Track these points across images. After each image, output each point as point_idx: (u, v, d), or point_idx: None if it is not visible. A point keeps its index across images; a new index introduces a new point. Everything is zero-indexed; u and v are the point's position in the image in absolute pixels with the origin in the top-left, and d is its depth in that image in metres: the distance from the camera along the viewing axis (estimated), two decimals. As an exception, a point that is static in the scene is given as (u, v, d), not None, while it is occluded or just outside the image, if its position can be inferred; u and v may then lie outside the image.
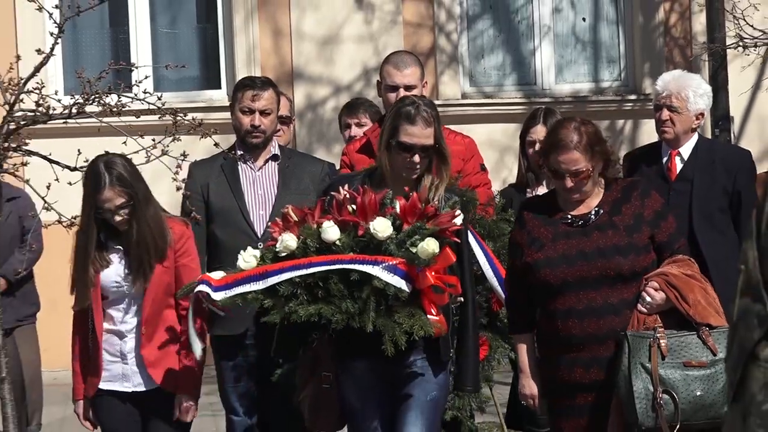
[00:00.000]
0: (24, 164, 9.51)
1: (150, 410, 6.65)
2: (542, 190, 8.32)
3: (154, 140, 8.56)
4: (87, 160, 8.60)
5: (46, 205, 8.73)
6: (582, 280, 5.87)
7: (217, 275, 5.63)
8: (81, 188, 8.73)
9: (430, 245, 5.28)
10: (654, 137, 8.81)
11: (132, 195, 6.76)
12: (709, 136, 11.43)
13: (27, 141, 9.00)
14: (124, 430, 6.65)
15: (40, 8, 8.54)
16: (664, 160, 8.02)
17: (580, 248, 5.92)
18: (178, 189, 8.13)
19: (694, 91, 8.10)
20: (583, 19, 13.77)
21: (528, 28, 13.62)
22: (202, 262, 7.97)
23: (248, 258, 5.46)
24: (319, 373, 5.94)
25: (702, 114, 8.31)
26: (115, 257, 6.83)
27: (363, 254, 5.45)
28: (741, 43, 12.22)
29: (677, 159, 7.98)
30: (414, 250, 5.27)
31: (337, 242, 5.34)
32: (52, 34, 8.58)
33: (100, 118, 8.88)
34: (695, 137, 8.01)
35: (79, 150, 8.63)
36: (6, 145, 8.56)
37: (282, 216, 5.61)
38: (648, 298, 5.78)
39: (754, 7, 12.58)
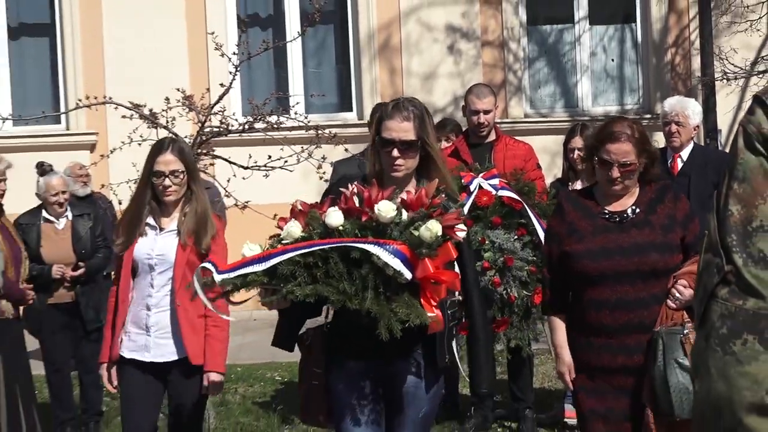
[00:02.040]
0: (212, 164, 9.62)
1: (170, 381, 5.57)
2: (579, 185, 7.84)
3: (303, 148, 8.63)
4: (256, 162, 8.67)
5: (226, 192, 8.84)
6: (618, 273, 4.90)
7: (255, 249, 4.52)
8: (251, 180, 8.80)
9: (433, 227, 4.20)
10: (662, 145, 8.73)
11: (188, 167, 5.64)
12: (702, 143, 11.30)
13: (214, 148, 9.10)
14: (142, 397, 5.53)
15: (222, 54, 8.57)
16: (668, 161, 7.95)
17: (619, 243, 4.95)
18: (320, 178, 8.37)
19: (692, 110, 8.06)
20: (612, 60, 13.63)
21: (572, 67, 13.47)
22: None
23: (253, 246, 4.49)
24: (311, 368, 4.87)
25: (697, 127, 8.30)
26: (151, 232, 5.62)
27: (366, 237, 4.35)
28: (725, 77, 12.15)
29: (678, 160, 7.92)
30: (416, 233, 4.22)
31: (341, 227, 4.31)
32: (231, 72, 8.63)
33: (265, 132, 8.94)
34: (692, 144, 7.99)
35: (249, 155, 8.70)
36: (199, 151, 8.62)
37: (290, 209, 4.57)
38: (678, 294, 4.78)
39: (734, 51, 12.51)
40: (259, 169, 8.64)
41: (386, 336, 4.16)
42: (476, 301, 4.92)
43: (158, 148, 5.64)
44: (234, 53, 8.87)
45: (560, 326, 5.19)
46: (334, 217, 4.31)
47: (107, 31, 12.79)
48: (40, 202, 8.68)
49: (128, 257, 5.59)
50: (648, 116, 12.81)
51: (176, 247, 5.58)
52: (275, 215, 7.32)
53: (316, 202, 4.70)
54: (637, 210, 5.01)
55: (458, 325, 4.92)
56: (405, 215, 4.33)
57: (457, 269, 4.73)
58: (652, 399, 4.81)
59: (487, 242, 6.94)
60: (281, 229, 4.54)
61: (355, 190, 4.44)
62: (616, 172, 4.91)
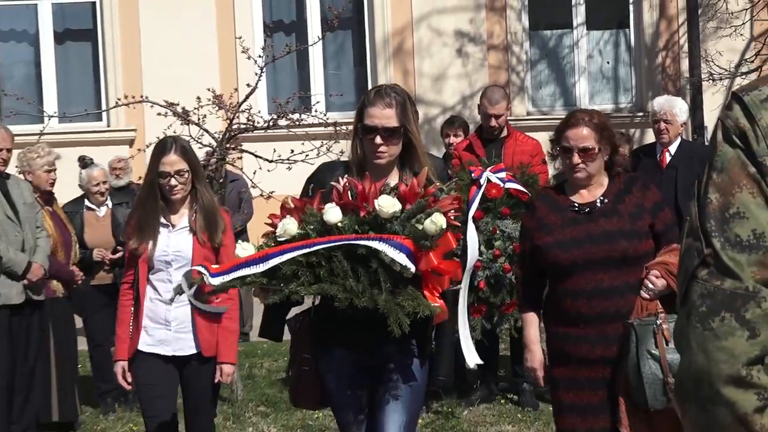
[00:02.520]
0: (239, 158, 9.65)
1: (185, 372, 5.38)
2: None
3: (322, 143, 8.64)
4: (280, 156, 8.69)
5: (253, 183, 8.85)
6: (589, 261, 4.55)
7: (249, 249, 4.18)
8: (275, 172, 8.81)
9: (438, 220, 3.89)
10: (652, 139, 8.74)
11: (192, 166, 5.40)
12: (690, 139, 11.32)
13: (241, 143, 9.12)
14: (162, 386, 5.35)
15: (249, 57, 8.59)
16: (658, 155, 8.03)
17: (588, 232, 4.59)
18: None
19: (679, 109, 8.17)
20: (607, 62, 13.63)
21: (571, 69, 13.47)
22: None
23: (246, 247, 4.15)
24: (300, 355, 4.55)
25: (684, 123, 8.40)
26: (164, 230, 5.41)
27: (366, 233, 4.00)
28: (711, 78, 12.20)
29: (667, 154, 8.01)
30: (420, 227, 3.91)
31: (339, 224, 3.98)
32: (257, 73, 8.65)
33: (288, 129, 8.96)
34: (679, 140, 8.05)
35: (274, 149, 8.72)
36: (227, 146, 8.65)
37: (281, 206, 4.26)
38: (650, 285, 4.43)
39: (719, 54, 12.52)
40: (282, 163, 8.66)
41: (398, 332, 3.93)
42: (448, 293, 4.45)
43: (161, 149, 5.41)
44: (260, 56, 8.90)
45: (533, 323, 4.86)
46: (333, 213, 4.00)
47: (144, 36, 12.84)
48: (83, 192, 8.74)
49: (144, 255, 5.37)
50: (640, 114, 12.83)
51: (192, 243, 5.40)
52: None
53: (307, 197, 4.35)
54: (606, 200, 4.67)
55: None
56: (398, 207, 4.03)
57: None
58: (626, 391, 4.47)
59: (497, 231, 6.99)
60: (273, 226, 4.23)
61: (347, 184, 4.13)
62: (576, 158, 4.57)
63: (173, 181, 5.30)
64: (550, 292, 4.77)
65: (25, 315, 7.44)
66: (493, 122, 8.04)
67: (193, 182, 5.41)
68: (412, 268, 3.93)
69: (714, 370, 1.93)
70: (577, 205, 4.68)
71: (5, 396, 7.38)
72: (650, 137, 11.62)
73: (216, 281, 4.10)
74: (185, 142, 5.55)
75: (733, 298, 1.92)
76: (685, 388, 2.00)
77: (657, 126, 8.10)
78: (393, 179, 4.38)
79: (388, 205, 3.95)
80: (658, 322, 4.40)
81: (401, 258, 3.89)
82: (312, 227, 4.07)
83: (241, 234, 9.97)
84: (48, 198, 8.08)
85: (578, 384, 4.59)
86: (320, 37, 11.81)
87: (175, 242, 5.38)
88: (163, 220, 5.40)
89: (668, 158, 8.03)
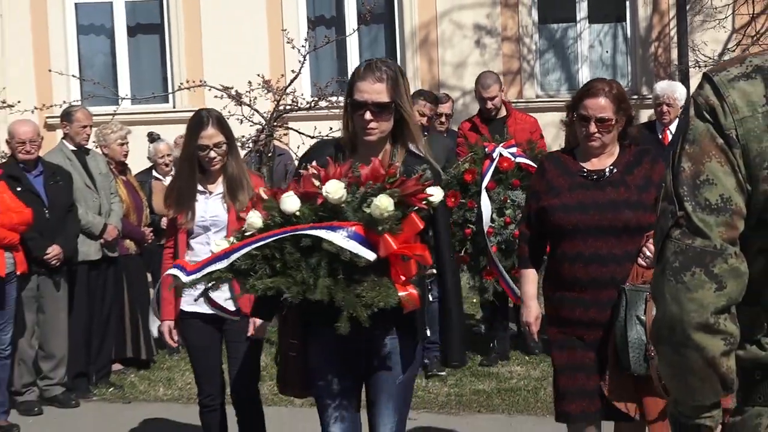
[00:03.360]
0: (285, 134, 9.64)
1: (225, 330, 5.09)
2: None
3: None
4: (320, 133, 8.68)
5: (297, 157, 8.86)
6: (591, 228, 4.15)
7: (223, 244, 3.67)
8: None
9: (382, 202, 3.24)
10: (645, 119, 8.72)
11: (227, 137, 5.08)
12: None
13: (287, 122, 9.12)
14: (206, 343, 5.08)
15: (293, 47, 8.57)
16: (659, 133, 8.09)
17: (595, 199, 4.18)
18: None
19: (679, 93, 8.19)
20: (606, 52, 13.54)
21: (574, 58, 13.37)
22: None
23: (220, 242, 3.68)
24: (287, 339, 4.01)
25: (682, 106, 8.26)
26: (201, 197, 5.10)
27: (327, 222, 3.37)
28: (697, 65, 12.16)
29: (668, 132, 8.08)
30: (368, 210, 3.29)
31: (297, 213, 3.39)
32: (300, 61, 8.63)
33: (327, 109, 8.96)
34: (677, 120, 8.06)
35: (315, 127, 8.73)
36: (275, 124, 8.65)
37: (254, 196, 3.80)
38: (648, 253, 4.03)
39: (705, 44, 12.47)
40: (322, 137, 8.65)
41: (345, 329, 3.33)
42: (449, 273, 3.94)
43: (199, 123, 5.05)
44: (303, 46, 8.90)
45: (531, 279, 4.46)
46: (289, 202, 3.41)
47: (204, 29, 12.85)
48: (151, 163, 8.79)
49: (182, 222, 5.06)
50: (635, 96, 12.71)
51: (227, 209, 5.06)
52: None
53: (280, 188, 3.76)
54: (615, 170, 4.25)
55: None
56: (343, 193, 3.39)
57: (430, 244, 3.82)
58: (614, 353, 4.10)
59: (508, 201, 6.90)
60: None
61: (312, 170, 3.49)
62: (593, 127, 4.16)
63: (212, 153, 5.02)
64: (551, 254, 4.40)
65: (102, 269, 7.53)
66: (489, 104, 7.95)
67: (227, 153, 5.13)
68: (367, 256, 3.30)
69: (686, 318, 1.92)
70: (586, 171, 4.29)
71: (84, 339, 7.46)
72: (643, 117, 11.65)
73: (188, 278, 3.63)
74: (219, 114, 5.22)
75: (703, 254, 1.91)
76: (661, 334, 1.99)
77: (660, 108, 8.17)
78: (385, 156, 3.79)
79: (333, 189, 3.33)
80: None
81: (351, 245, 3.27)
82: (273, 219, 3.52)
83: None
84: (122, 168, 8.14)
85: (572, 345, 4.23)
86: (355, 29, 11.82)
87: (212, 208, 5.09)
88: (200, 188, 5.11)
89: (670, 136, 8.05)
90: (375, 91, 3.63)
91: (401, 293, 3.37)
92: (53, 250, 6.97)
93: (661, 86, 8.40)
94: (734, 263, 1.90)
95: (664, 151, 7.81)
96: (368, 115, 3.63)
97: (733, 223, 1.91)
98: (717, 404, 2.00)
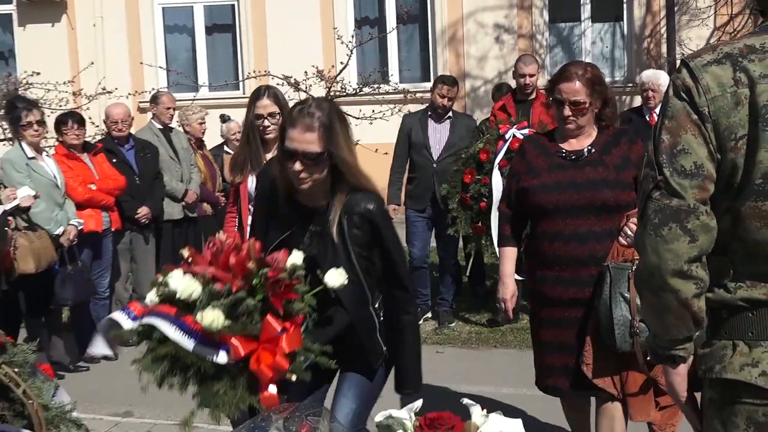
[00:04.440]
0: (335, 116, 9.64)
1: None
2: None
3: (395, 105, 8.60)
4: (365, 114, 8.67)
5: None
6: (571, 207, 3.62)
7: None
8: (361, 127, 8.79)
9: (206, 318, 2.38)
10: (637, 104, 8.58)
11: (282, 108, 4.61)
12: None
13: (339, 105, 9.10)
14: None
15: (342, 42, 8.54)
16: (647, 116, 7.72)
17: (573, 179, 3.65)
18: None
19: (663, 80, 7.71)
20: (606, 47, 13.38)
21: (579, 51, 13.23)
22: None
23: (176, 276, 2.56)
24: None
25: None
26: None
27: (186, 312, 2.47)
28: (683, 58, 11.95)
29: (655, 115, 7.65)
30: (198, 315, 2.42)
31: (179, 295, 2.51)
32: (348, 54, 8.60)
33: (371, 95, 8.94)
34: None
35: (360, 109, 8.72)
36: (326, 107, 8.64)
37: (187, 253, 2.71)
38: (629, 232, 3.49)
39: (690, 39, 12.32)
40: (366, 119, 8.66)
41: (218, 420, 2.51)
42: (405, 301, 3.17)
43: (256, 95, 4.73)
44: (350, 42, 8.85)
45: (510, 257, 3.89)
46: (173, 282, 2.51)
47: (269, 28, 12.87)
48: (223, 140, 8.82)
49: (244, 188, 4.68)
50: (630, 85, 12.60)
51: None
52: (376, 149, 7.32)
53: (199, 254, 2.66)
54: (593, 150, 3.71)
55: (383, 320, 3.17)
56: (192, 291, 2.49)
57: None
58: (595, 331, 3.57)
59: None
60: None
61: (215, 245, 2.62)
62: (567, 110, 3.65)
63: (266, 122, 4.63)
64: (531, 233, 3.85)
65: (183, 227, 7.58)
66: (527, 80, 7.27)
67: None
68: (214, 358, 2.43)
69: (663, 266, 1.91)
70: (564, 151, 3.75)
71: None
72: (638, 102, 11.55)
73: (129, 327, 2.60)
74: (277, 89, 4.87)
75: (679, 212, 1.90)
76: (643, 279, 1.99)
77: (645, 94, 7.78)
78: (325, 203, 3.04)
79: (182, 288, 2.49)
80: (634, 267, 3.38)
81: (197, 349, 2.42)
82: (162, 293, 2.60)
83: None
84: (199, 144, 8.16)
85: (554, 323, 3.72)
86: (394, 27, 11.78)
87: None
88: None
89: (656, 118, 7.80)
90: (306, 140, 2.89)
91: (260, 395, 2.48)
92: (143, 211, 7.03)
93: (647, 74, 8.11)
94: (705, 220, 1.89)
95: (651, 131, 7.65)
96: (298, 166, 2.90)
97: (704, 186, 1.90)
98: (689, 338, 1.99)
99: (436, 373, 6.23)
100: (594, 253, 3.59)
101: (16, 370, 2.39)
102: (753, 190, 1.87)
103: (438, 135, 7.06)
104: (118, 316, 2.62)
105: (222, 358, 2.44)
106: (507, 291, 3.88)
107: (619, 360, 3.55)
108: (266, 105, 4.62)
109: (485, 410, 2.33)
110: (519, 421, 2.27)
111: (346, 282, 2.76)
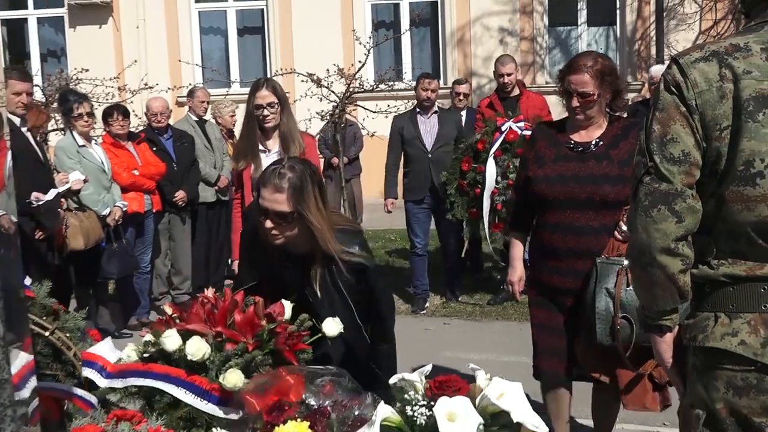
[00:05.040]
0: (354, 110, 9.60)
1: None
2: None
3: (408, 100, 8.55)
4: (381, 109, 8.63)
5: (362, 126, 8.85)
6: (570, 199, 3.34)
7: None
8: (377, 120, 8.76)
9: (229, 380, 2.17)
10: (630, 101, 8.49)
11: (280, 99, 4.50)
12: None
13: (355, 100, 9.06)
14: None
15: (360, 43, 8.50)
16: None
17: (576, 172, 3.36)
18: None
19: None
20: (601, 49, 13.26)
21: (575, 53, 12.74)
22: None
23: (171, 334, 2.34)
24: None
25: None
26: (262, 154, 4.53)
27: (194, 373, 2.23)
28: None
29: None
30: (221, 378, 2.18)
31: (175, 354, 2.28)
32: (365, 54, 8.56)
33: (386, 91, 8.90)
34: None
35: (376, 104, 8.68)
36: (346, 101, 8.61)
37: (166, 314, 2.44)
38: (624, 227, 3.21)
39: (677, 42, 12.22)
40: (381, 113, 8.62)
41: None
42: (383, 331, 2.99)
43: (255, 86, 4.54)
44: (368, 42, 8.81)
45: (518, 243, 3.69)
46: (169, 342, 2.29)
47: (294, 31, 12.85)
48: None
49: (247, 174, 4.54)
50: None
51: None
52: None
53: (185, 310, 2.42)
54: (600, 143, 3.41)
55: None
56: (203, 354, 2.26)
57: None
58: (587, 322, 3.30)
59: (511, 167, 6.47)
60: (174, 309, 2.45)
61: (205, 298, 2.42)
62: (575, 102, 3.34)
63: (266, 111, 4.49)
64: (536, 222, 3.60)
65: (216, 209, 7.58)
66: (505, 79, 7.12)
67: (280, 113, 4.55)
68: (227, 416, 2.20)
69: (652, 244, 1.91)
70: (573, 142, 3.45)
71: (204, 260, 7.55)
72: (629, 97, 11.50)
73: (104, 385, 2.29)
74: (275, 81, 4.66)
75: (667, 195, 1.89)
76: (633, 256, 1.98)
77: (654, 87, 7.63)
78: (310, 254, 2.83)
79: (194, 351, 2.26)
80: (625, 263, 3.12)
81: (209, 408, 2.20)
82: (154, 351, 2.37)
83: (354, 161, 9.97)
84: (230, 134, 8.14)
85: (549, 307, 3.50)
86: (407, 30, 11.71)
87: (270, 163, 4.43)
88: (260, 146, 4.57)
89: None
90: (275, 200, 2.71)
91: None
92: (180, 195, 7.04)
93: (655, 69, 7.86)
94: (691, 203, 1.89)
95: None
96: (269, 223, 2.74)
97: (691, 172, 1.89)
98: (675, 310, 1.98)
99: (444, 342, 6.30)
100: (591, 247, 3.31)
101: (67, 335, 2.41)
102: (735, 176, 1.86)
103: (428, 128, 6.94)
104: (90, 374, 2.31)
105: (232, 416, 2.21)
106: (515, 274, 3.70)
107: (609, 354, 3.28)
108: (265, 95, 4.48)
109: (488, 375, 2.32)
110: (519, 384, 2.27)
111: (342, 330, 2.59)
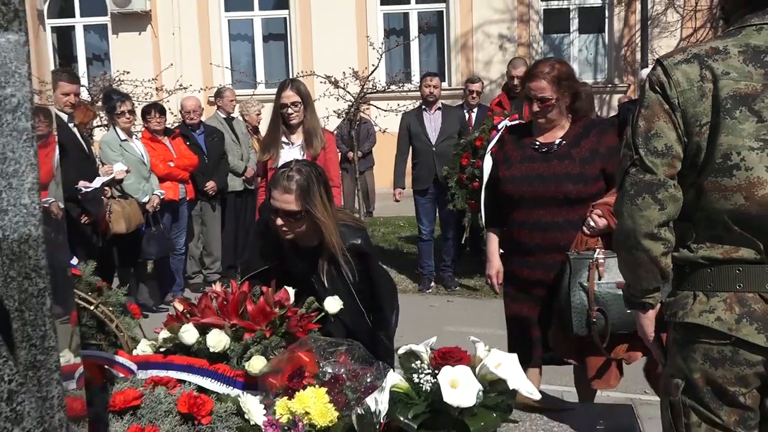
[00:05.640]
0: (368, 109, 9.56)
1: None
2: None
3: (415, 101, 8.50)
4: (391, 107, 8.58)
5: (375, 123, 8.80)
6: (536, 198, 3.18)
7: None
8: (388, 117, 8.72)
9: (254, 365, 2.14)
10: (615, 101, 8.43)
11: (303, 98, 4.51)
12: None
13: (369, 100, 9.00)
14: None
15: (374, 48, 8.45)
16: None
17: (540, 172, 3.20)
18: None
19: None
20: (591, 54, 13.22)
21: (568, 58, 12.98)
22: None
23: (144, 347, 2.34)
24: None
25: None
26: (286, 147, 4.57)
27: (213, 361, 2.18)
28: (655, 63, 11.78)
29: None
30: (247, 365, 2.16)
31: (194, 347, 2.23)
32: (378, 58, 8.52)
33: (397, 91, 8.85)
34: None
35: (387, 103, 8.64)
36: (360, 101, 8.56)
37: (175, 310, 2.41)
38: (592, 223, 3.05)
39: (660, 47, 12.00)
40: (392, 111, 8.58)
41: None
42: (381, 321, 2.96)
43: (282, 87, 4.55)
44: (380, 47, 8.76)
45: (494, 238, 3.46)
46: (187, 336, 2.25)
47: (314, 37, 12.82)
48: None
49: (270, 165, 4.54)
50: (610, 85, 12.46)
51: (304, 155, 4.50)
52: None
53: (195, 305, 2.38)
54: (563, 142, 3.23)
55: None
56: (224, 345, 2.23)
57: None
58: (558, 313, 3.12)
59: None
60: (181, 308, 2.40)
61: (214, 293, 2.40)
62: (536, 106, 3.20)
63: (290, 110, 4.53)
64: (507, 220, 3.39)
65: (244, 197, 7.56)
66: (516, 81, 6.92)
67: (304, 112, 4.57)
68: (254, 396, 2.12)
69: (637, 229, 1.89)
70: (537, 144, 3.28)
71: (232, 243, 7.56)
72: (614, 101, 11.41)
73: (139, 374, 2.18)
74: (300, 82, 4.67)
75: (651, 185, 1.87)
76: (619, 240, 1.96)
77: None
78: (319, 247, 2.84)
79: (215, 343, 2.22)
80: (595, 256, 2.99)
81: (233, 393, 2.14)
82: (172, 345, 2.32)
83: (368, 154, 9.95)
84: (256, 130, 8.12)
85: (521, 299, 3.32)
86: (416, 36, 11.63)
87: (293, 155, 4.50)
88: (284, 139, 4.60)
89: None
90: (284, 200, 2.74)
91: None
92: (210, 184, 7.04)
93: (645, 71, 7.77)
94: (673, 192, 1.86)
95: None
96: (280, 221, 2.76)
97: (673, 164, 1.86)
98: (657, 289, 1.96)
99: (447, 318, 6.31)
100: (557, 242, 3.14)
101: (110, 309, 2.42)
102: (713, 168, 1.84)
103: (432, 124, 6.92)
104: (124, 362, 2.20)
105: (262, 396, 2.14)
106: (492, 268, 3.46)
107: (580, 343, 3.13)
108: (290, 95, 4.54)
109: (487, 347, 2.32)
110: (515, 355, 2.26)
111: (341, 307, 2.63)
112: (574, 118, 3.29)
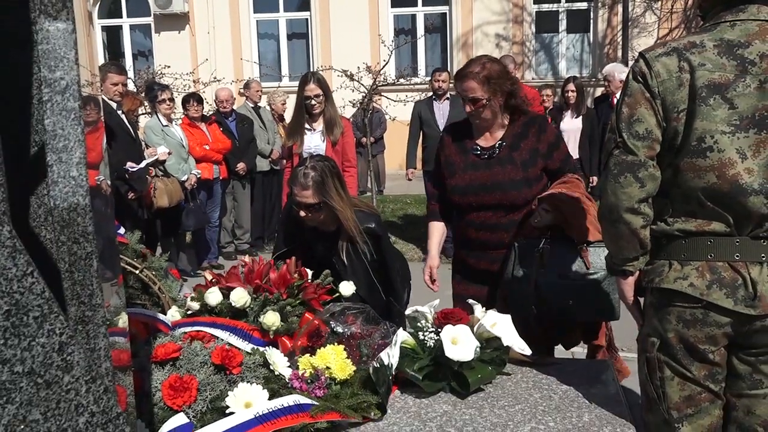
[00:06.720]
0: (379, 100, 9.48)
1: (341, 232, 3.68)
2: (568, 115, 7.08)
3: (422, 93, 8.43)
4: (400, 98, 8.52)
5: (386, 113, 8.73)
6: (481, 205, 2.80)
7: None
8: (398, 107, 8.65)
9: (267, 319, 2.09)
10: (598, 92, 8.32)
11: (324, 91, 4.45)
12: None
13: (381, 92, 8.93)
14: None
15: (385, 45, 8.36)
16: (610, 99, 7.26)
17: (482, 181, 2.78)
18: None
19: (617, 71, 7.18)
20: (577, 52, 13.00)
21: (557, 55, 12.93)
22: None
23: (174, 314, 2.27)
24: None
25: (622, 80, 7.06)
26: (308, 133, 4.55)
27: (235, 319, 2.15)
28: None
29: (616, 98, 7.28)
30: (261, 318, 2.11)
31: (217, 307, 2.20)
32: (389, 54, 8.43)
33: (405, 84, 8.77)
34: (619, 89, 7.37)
35: (397, 95, 8.56)
36: (373, 92, 8.49)
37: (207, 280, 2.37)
38: (539, 218, 2.64)
39: (639, 46, 11.84)
40: (401, 102, 8.52)
41: None
42: (394, 298, 2.91)
43: (305, 80, 4.50)
44: (391, 45, 8.67)
45: (435, 233, 3.04)
46: (212, 297, 2.22)
47: (333, 35, 12.70)
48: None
49: (295, 149, 4.60)
50: (594, 79, 12.28)
51: (324, 140, 4.55)
52: (408, 124, 7.19)
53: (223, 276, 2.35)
54: (504, 144, 2.81)
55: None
56: (245, 301, 2.20)
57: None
58: (503, 298, 2.71)
59: None
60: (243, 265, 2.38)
61: (243, 262, 2.40)
62: (468, 107, 2.78)
63: (312, 102, 4.50)
64: (455, 214, 3.00)
65: (270, 176, 7.56)
66: None
67: (325, 102, 4.55)
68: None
69: (619, 204, 1.85)
70: (479, 149, 2.85)
71: (260, 217, 7.56)
72: (598, 92, 11.25)
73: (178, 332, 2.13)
74: (320, 75, 4.60)
75: (632, 165, 1.83)
76: (603, 214, 1.93)
77: (605, 82, 7.37)
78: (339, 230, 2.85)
79: (237, 298, 2.19)
80: (542, 245, 2.61)
81: (249, 348, 2.05)
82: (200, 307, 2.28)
83: (379, 140, 9.88)
84: (281, 118, 8.09)
85: (468, 282, 2.92)
86: (422, 35, 11.50)
87: (314, 140, 4.59)
88: (307, 126, 4.60)
89: (616, 101, 7.40)
90: (303, 196, 2.76)
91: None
92: (241, 165, 7.02)
93: (606, 68, 7.63)
94: (652, 171, 1.83)
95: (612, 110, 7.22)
96: (302, 213, 2.78)
97: (653, 146, 1.83)
98: (636, 258, 1.93)
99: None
100: (502, 239, 2.80)
101: (153, 273, 2.41)
102: (689, 150, 1.80)
103: (441, 112, 6.90)
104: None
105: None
106: (430, 262, 3.03)
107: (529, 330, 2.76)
108: (312, 88, 4.51)
109: (484, 308, 2.30)
110: (508, 316, 2.24)
111: (354, 290, 2.56)
112: (512, 116, 2.86)
